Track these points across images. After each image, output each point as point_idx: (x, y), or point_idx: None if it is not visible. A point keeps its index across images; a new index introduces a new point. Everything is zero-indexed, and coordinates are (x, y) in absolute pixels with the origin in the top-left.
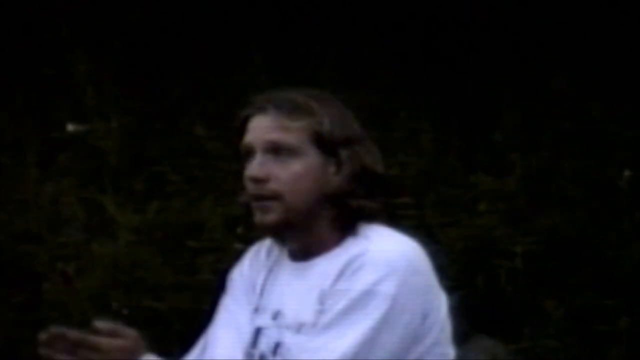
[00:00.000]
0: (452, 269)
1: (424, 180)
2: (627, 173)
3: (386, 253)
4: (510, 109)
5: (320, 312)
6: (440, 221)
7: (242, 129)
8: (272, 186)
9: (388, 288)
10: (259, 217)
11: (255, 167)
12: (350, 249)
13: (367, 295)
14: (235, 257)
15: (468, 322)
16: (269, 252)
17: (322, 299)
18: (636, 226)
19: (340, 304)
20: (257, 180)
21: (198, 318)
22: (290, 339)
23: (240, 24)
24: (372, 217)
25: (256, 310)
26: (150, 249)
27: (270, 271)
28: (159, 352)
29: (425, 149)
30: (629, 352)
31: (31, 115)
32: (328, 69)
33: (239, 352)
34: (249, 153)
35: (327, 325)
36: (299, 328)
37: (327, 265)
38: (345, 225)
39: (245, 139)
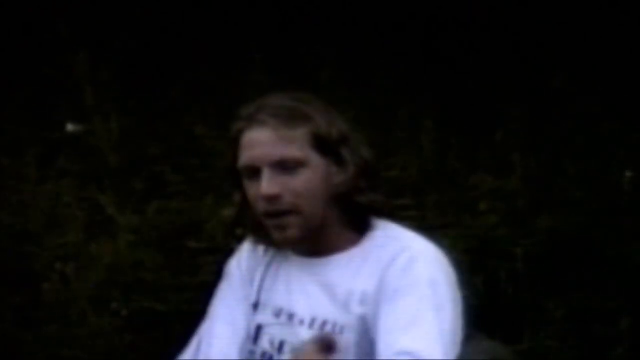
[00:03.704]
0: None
1: (425, 180)
2: (628, 174)
3: (428, 249)
4: (511, 109)
5: (364, 314)
6: (441, 222)
7: (236, 143)
8: (288, 200)
9: (445, 278)
10: (278, 235)
11: (267, 185)
12: (381, 247)
13: (433, 285)
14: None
15: (468, 323)
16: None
17: (364, 300)
18: (638, 227)
19: (410, 302)
20: (272, 198)
21: (198, 319)
22: (308, 337)
23: (240, 24)
24: (380, 211)
25: (255, 306)
26: (150, 250)
27: (269, 266)
28: (158, 353)
29: (425, 149)
30: (630, 353)
31: (30, 115)
32: (328, 69)
33: (234, 349)
34: (252, 171)
35: (406, 326)
36: (316, 325)
37: (352, 264)
38: (357, 222)
39: (247, 157)
